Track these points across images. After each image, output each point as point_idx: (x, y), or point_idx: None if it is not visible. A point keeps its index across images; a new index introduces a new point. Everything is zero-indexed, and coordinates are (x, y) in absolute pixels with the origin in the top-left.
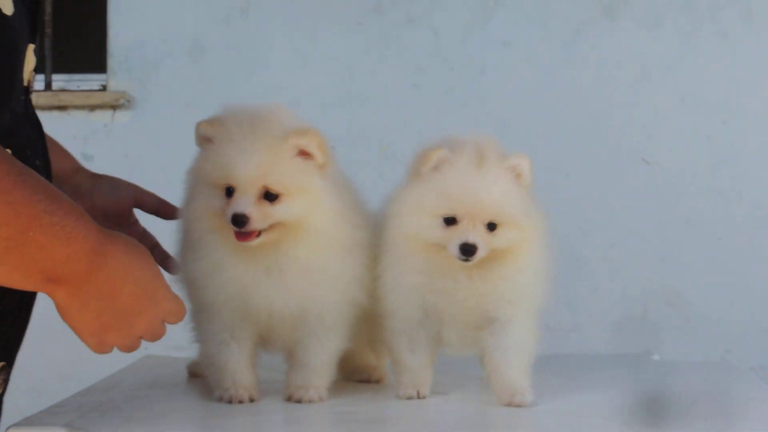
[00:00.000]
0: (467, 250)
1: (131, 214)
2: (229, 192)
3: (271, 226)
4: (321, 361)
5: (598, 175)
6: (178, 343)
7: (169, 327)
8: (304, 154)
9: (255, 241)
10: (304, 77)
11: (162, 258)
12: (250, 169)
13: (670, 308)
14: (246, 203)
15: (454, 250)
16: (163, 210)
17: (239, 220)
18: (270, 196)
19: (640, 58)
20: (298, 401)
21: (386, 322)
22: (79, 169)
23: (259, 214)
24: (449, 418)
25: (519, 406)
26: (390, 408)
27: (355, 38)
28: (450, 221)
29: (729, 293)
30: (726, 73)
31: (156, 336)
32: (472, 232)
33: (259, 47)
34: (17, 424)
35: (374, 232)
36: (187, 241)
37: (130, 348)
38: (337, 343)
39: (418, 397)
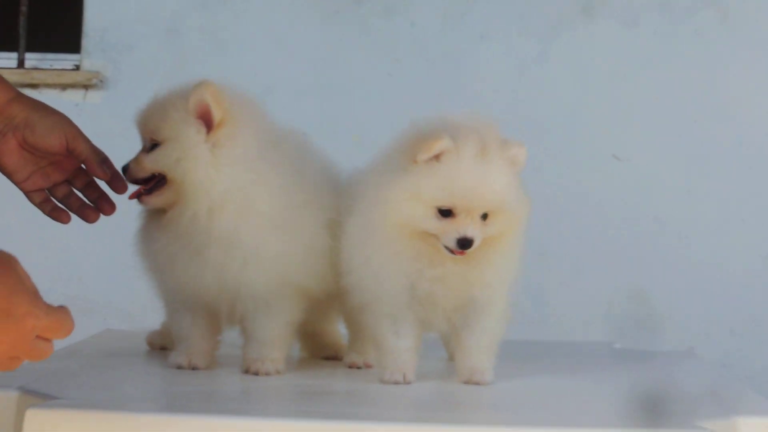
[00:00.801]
0: (465, 244)
1: (67, 154)
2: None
3: (164, 187)
4: (271, 335)
5: (568, 170)
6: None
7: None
8: (201, 111)
9: (147, 201)
10: (280, 64)
11: (96, 196)
12: (141, 120)
13: (635, 305)
14: (137, 153)
15: (451, 243)
16: (89, 162)
17: (124, 169)
18: (153, 146)
19: (615, 55)
20: (255, 374)
21: (370, 306)
22: (15, 99)
23: (134, 164)
24: (400, 392)
25: (477, 384)
26: (346, 381)
27: (333, 27)
28: (446, 213)
29: (694, 292)
30: (700, 73)
31: (35, 355)
32: (470, 225)
33: (236, 32)
34: None
35: (336, 214)
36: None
37: (7, 368)
38: (284, 315)
39: (404, 382)
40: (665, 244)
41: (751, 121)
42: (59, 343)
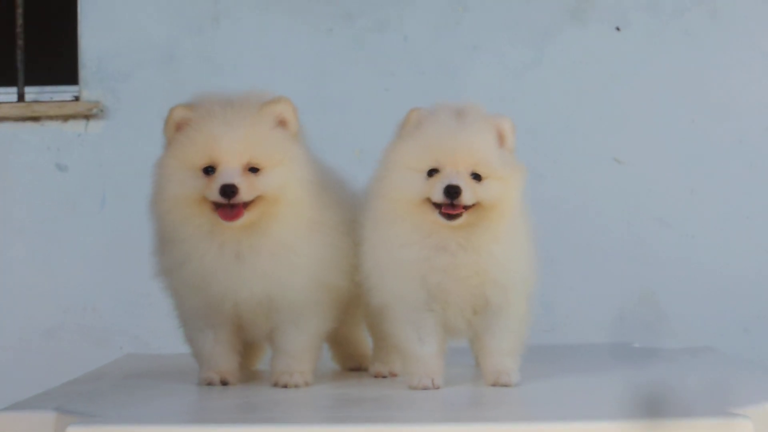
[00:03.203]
0: (451, 191)
1: None
2: (208, 171)
3: (255, 201)
4: (300, 347)
5: (570, 176)
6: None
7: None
8: (281, 122)
9: (241, 220)
10: (276, 84)
11: None
12: (234, 142)
13: (647, 307)
14: (233, 174)
15: (438, 195)
16: None
17: (229, 191)
18: (253, 169)
19: (608, 58)
20: (284, 386)
21: (389, 311)
22: None
23: (246, 185)
24: (430, 396)
25: (504, 385)
26: (374, 389)
27: (326, 44)
28: (433, 173)
29: (705, 290)
30: (693, 72)
31: None
32: (456, 176)
33: (231, 55)
34: (6, 408)
35: (350, 214)
36: (160, 236)
37: None
38: (314, 326)
39: (433, 387)
40: (671, 245)
41: (748, 118)
42: (85, 367)
